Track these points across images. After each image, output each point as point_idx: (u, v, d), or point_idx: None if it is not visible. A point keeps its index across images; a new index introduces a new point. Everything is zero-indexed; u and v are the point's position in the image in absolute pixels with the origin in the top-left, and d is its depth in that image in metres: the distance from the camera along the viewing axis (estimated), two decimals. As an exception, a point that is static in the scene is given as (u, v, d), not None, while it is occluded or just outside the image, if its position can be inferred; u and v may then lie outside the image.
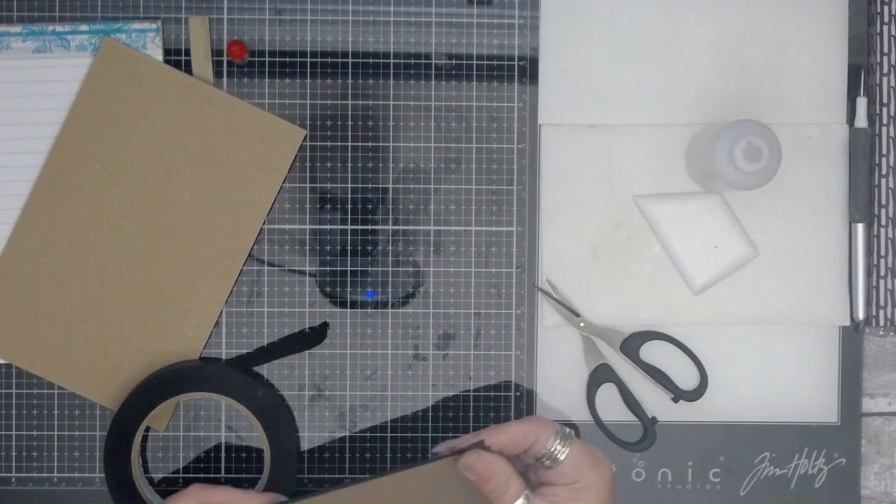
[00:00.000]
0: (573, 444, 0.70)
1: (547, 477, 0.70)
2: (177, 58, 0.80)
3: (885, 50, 0.80)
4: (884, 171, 0.80)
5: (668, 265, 0.81)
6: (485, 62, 0.81)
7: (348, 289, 0.81)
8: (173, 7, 0.80)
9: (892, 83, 0.80)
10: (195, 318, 0.79)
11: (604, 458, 0.71)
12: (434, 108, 0.81)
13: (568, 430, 0.71)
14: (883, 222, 0.80)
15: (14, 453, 0.80)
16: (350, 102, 0.81)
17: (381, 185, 0.81)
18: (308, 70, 0.80)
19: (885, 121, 0.80)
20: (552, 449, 0.69)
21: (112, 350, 0.79)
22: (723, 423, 0.82)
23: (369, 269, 0.81)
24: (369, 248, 0.81)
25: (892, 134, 0.80)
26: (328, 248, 0.81)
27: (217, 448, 0.81)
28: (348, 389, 0.81)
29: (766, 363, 0.82)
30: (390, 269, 0.81)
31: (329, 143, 0.81)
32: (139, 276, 0.79)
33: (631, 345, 0.80)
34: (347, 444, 0.81)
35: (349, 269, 0.81)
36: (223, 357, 0.80)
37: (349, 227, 0.81)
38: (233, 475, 0.81)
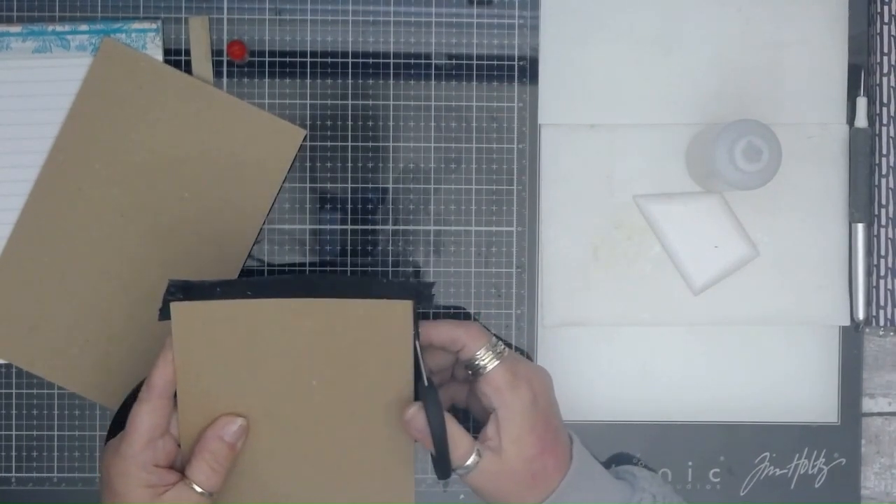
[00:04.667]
0: (501, 362, 0.70)
1: (475, 387, 0.71)
2: (177, 58, 0.80)
3: (886, 50, 0.80)
4: (884, 171, 0.80)
5: (668, 265, 0.81)
6: (485, 62, 0.81)
7: (348, 289, 0.81)
8: (173, 7, 0.80)
9: (893, 83, 0.80)
10: (195, 318, 0.79)
11: (526, 378, 0.70)
12: (434, 108, 0.81)
13: (503, 347, 0.71)
14: (883, 222, 0.80)
15: (14, 453, 0.80)
16: (350, 102, 0.81)
17: (381, 185, 0.81)
18: (308, 70, 0.80)
19: (885, 121, 0.80)
20: (478, 362, 0.70)
21: (112, 350, 0.79)
22: (723, 423, 0.82)
23: (369, 269, 0.81)
24: (369, 248, 0.81)
25: (892, 134, 0.80)
26: (328, 248, 0.81)
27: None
28: (348, 389, 0.81)
29: (766, 363, 0.82)
30: (390, 269, 0.81)
31: (329, 143, 0.81)
32: (139, 276, 0.79)
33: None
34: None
35: (349, 269, 0.81)
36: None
37: (349, 227, 0.81)
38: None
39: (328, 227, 0.81)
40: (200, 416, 0.68)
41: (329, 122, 0.81)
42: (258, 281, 0.74)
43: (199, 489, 0.67)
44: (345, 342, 0.68)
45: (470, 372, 0.71)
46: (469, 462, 0.68)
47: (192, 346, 0.67)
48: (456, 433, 0.68)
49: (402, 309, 0.67)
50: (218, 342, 0.67)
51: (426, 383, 0.68)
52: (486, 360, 0.70)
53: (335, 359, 0.68)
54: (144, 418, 0.67)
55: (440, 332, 0.71)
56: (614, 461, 0.81)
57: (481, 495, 0.70)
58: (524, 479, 0.69)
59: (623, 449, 0.81)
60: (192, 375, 0.67)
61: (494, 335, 0.72)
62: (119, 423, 0.76)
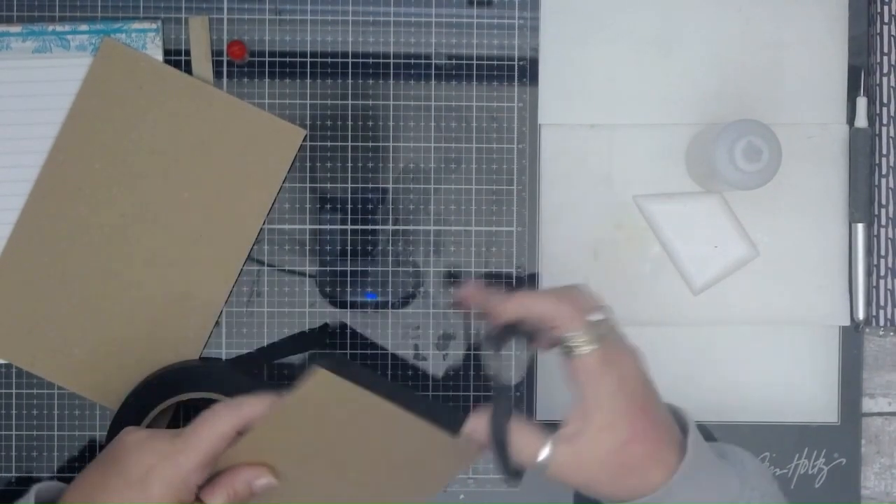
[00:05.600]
0: (593, 349, 0.65)
1: (565, 364, 0.67)
2: (177, 58, 0.80)
3: (886, 50, 0.80)
4: (884, 171, 0.80)
5: (668, 265, 0.81)
6: (485, 62, 0.81)
7: (348, 289, 0.81)
8: (173, 7, 0.80)
9: (893, 83, 0.80)
10: (195, 319, 0.79)
11: (615, 364, 0.65)
12: (434, 108, 0.81)
13: (605, 327, 0.66)
14: (883, 222, 0.80)
15: (14, 453, 0.80)
16: (350, 102, 0.81)
17: (381, 185, 0.81)
18: (308, 70, 0.80)
19: (885, 121, 0.80)
20: (569, 344, 0.66)
21: (112, 350, 0.79)
22: (723, 423, 0.82)
23: (369, 269, 0.81)
24: (369, 248, 0.81)
25: (892, 134, 0.80)
26: (328, 248, 0.81)
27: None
28: (348, 389, 0.81)
29: (766, 363, 0.82)
30: (390, 269, 0.81)
31: (329, 143, 0.81)
32: (139, 276, 0.79)
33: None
34: (347, 444, 0.81)
35: (349, 269, 0.81)
36: (223, 357, 0.80)
37: (349, 227, 0.81)
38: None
39: (328, 227, 0.81)
40: (250, 453, 0.67)
41: (329, 122, 0.81)
42: (380, 379, 0.72)
43: None
44: (396, 449, 0.68)
45: (562, 349, 0.67)
46: (541, 459, 0.65)
47: (300, 408, 0.66)
48: (522, 433, 0.65)
49: (460, 447, 0.67)
50: (316, 414, 0.66)
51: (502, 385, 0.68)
52: (578, 342, 0.66)
53: (381, 461, 0.69)
54: (217, 442, 0.65)
55: (533, 307, 0.67)
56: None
57: (574, 487, 0.68)
58: (613, 469, 0.64)
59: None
60: (277, 426, 0.66)
61: (600, 311, 0.67)
62: (120, 422, 0.77)
